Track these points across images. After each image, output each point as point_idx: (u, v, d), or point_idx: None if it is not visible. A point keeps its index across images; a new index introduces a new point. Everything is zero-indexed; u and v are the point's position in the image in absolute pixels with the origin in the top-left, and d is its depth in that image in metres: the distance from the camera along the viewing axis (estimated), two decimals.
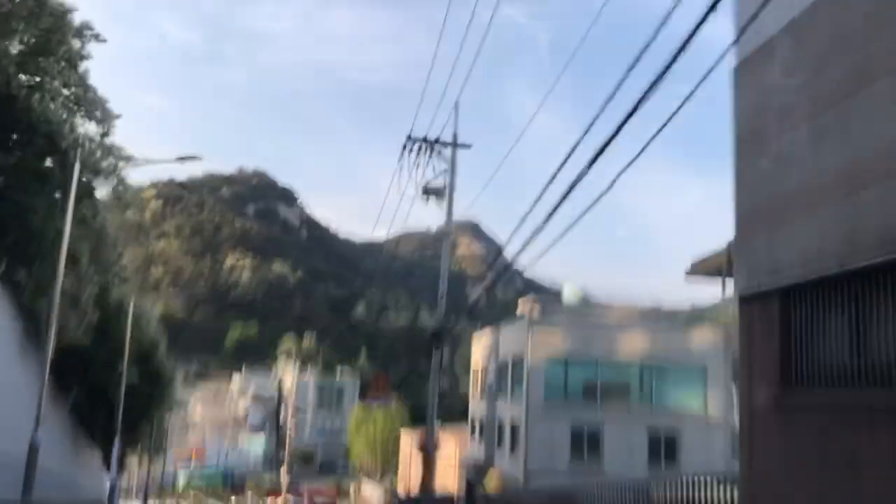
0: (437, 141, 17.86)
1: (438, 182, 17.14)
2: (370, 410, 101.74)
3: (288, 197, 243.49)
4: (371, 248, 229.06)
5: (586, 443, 30.90)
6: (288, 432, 46.06)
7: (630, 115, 6.48)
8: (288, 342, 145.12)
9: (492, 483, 30.95)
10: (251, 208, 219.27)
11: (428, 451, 18.18)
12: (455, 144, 18.27)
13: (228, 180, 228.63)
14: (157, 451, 45.84)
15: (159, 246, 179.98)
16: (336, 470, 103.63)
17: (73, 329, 20.22)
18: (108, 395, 27.49)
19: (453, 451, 64.56)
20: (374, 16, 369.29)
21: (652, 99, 6.28)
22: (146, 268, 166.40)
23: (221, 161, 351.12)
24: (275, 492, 58.53)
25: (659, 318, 34.05)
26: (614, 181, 6.99)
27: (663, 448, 30.80)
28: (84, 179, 18.34)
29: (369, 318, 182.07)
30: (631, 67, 6.30)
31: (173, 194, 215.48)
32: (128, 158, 19.49)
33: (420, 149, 17.79)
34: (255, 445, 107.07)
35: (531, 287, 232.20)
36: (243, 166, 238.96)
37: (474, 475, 32.10)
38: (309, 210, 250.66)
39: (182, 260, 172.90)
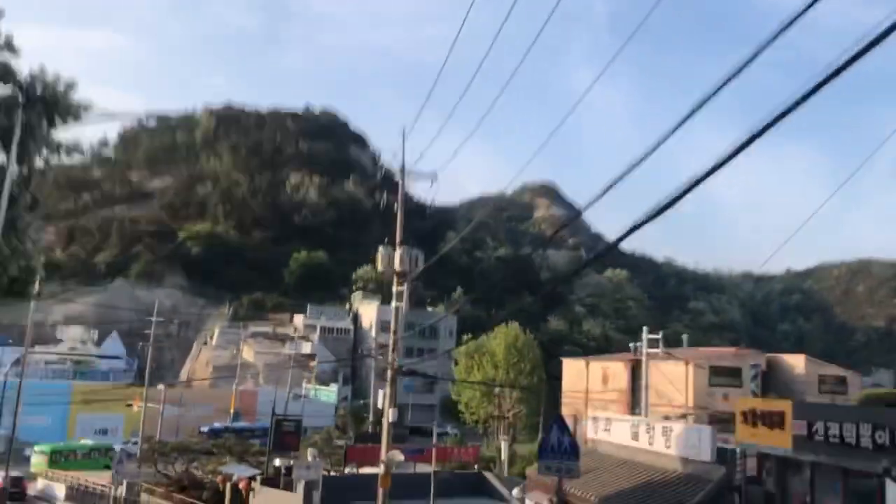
0: None
1: None
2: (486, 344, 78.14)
3: (360, 141, 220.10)
4: (445, 213, 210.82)
5: None
6: (392, 358, 22.20)
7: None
8: (365, 272, 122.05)
9: None
10: (321, 146, 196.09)
11: None
12: None
13: (294, 116, 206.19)
14: None
15: (209, 165, 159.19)
16: (428, 433, 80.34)
17: None
18: None
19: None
20: None
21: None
22: (190, 186, 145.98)
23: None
24: (364, 448, 34.95)
25: None
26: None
27: None
28: None
29: (463, 249, 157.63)
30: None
31: (228, 115, 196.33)
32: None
33: None
34: (324, 396, 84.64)
35: (613, 252, 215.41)
36: (310, 104, 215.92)
37: None
38: (383, 160, 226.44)
39: (235, 176, 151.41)
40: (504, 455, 40.94)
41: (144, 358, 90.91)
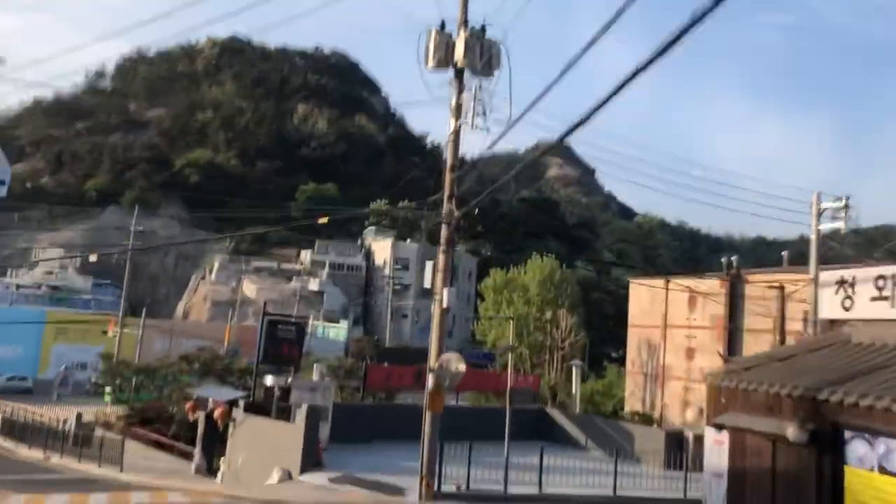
0: None
1: None
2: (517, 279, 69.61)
3: (371, 84, 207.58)
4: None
5: None
6: (449, 208, 12.75)
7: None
8: (378, 206, 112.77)
9: None
10: (331, 82, 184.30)
11: None
12: None
13: (302, 54, 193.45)
14: None
15: (211, 93, 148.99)
16: None
17: None
18: None
19: None
20: None
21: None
22: (190, 113, 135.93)
23: None
24: (389, 369, 26.58)
25: None
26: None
27: None
28: None
29: (481, 191, 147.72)
30: None
31: (233, 46, 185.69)
32: None
33: None
34: (333, 334, 76.25)
35: (626, 212, 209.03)
36: (320, 45, 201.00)
37: None
38: (394, 109, 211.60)
39: (238, 104, 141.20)
40: (576, 387, 31.87)
41: (135, 290, 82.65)
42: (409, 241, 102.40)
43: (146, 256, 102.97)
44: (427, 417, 15.36)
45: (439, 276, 15.56)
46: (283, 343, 22.57)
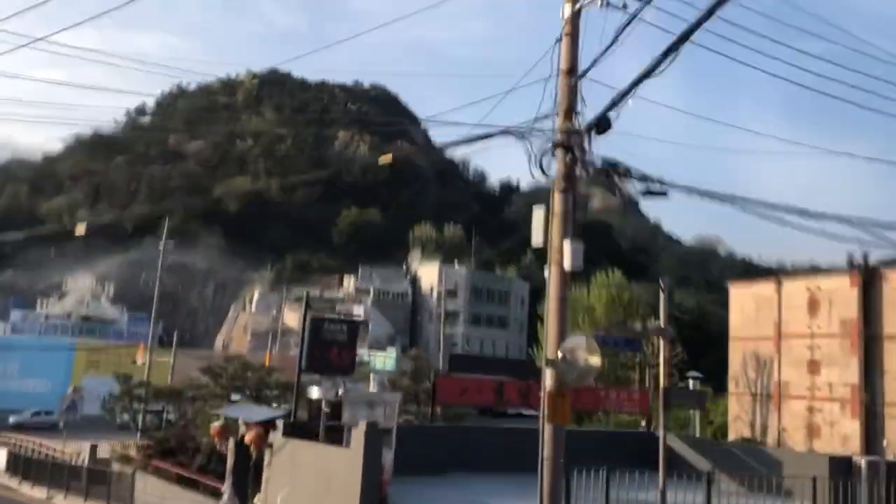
0: None
1: None
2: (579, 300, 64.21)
3: (411, 117, 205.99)
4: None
5: None
6: (564, 125, 8.20)
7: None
8: (423, 231, 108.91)
9: None
10: (371, 110, 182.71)
11: None
12: None
13: (343, 88, 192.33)
14: None
15: (251, 123, 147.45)
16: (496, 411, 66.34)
17: None
18: None
19: None
20: None
21: None
22: (229, 142, 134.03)
23: None
24: (464, 381, 22.30)
25: None
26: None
27: None
28: None
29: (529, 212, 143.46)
30: None
31: (273, 78, 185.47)
32: None
33: None
34: (380, 362, 71.83)
35: (660, 234, 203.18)
36: (359, 80, 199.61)
37: None
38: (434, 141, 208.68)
39: (278, 132, 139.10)
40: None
41: (173, 323, 79.46)
42: (456, 264, 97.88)
43: (185, 289, 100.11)
44: (547, 433, 10.57)
45: (556, 223, 10.86)
46: (331, 346, 17.62)
